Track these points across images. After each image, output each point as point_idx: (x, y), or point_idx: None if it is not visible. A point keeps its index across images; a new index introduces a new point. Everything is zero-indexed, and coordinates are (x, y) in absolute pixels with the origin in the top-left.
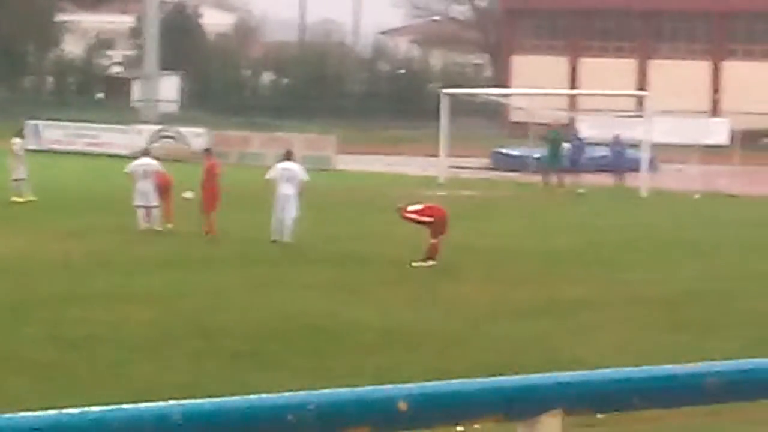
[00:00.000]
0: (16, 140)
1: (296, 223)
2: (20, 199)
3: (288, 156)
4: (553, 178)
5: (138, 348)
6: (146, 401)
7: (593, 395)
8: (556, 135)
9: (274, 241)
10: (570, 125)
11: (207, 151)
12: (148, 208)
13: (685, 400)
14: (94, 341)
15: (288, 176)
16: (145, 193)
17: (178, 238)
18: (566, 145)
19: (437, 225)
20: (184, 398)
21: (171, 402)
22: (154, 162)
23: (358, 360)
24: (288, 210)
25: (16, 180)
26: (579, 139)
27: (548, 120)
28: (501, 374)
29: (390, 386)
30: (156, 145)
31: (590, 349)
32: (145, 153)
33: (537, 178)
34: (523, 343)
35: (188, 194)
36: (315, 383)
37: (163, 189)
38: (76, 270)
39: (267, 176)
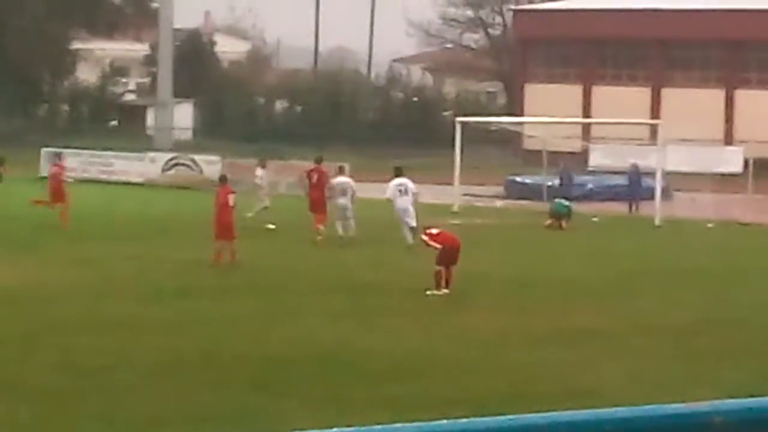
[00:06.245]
0: (258, 171)
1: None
2: (271, 226)
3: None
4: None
5: (150, 377)
6: None
7: None
8: None
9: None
10: (575, 155)
11: (222, 179)
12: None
13: None
14: (106, 370)
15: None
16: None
17: (191, 267)
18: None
19: (444, 253)
20: (197, 427)
21: None
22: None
23: (371, 389)
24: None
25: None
26: (568, 174)
27: (561, 148)
28: (513, 403)
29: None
30: (170, 173)
31: (602, 379)
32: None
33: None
34: (534, 371)
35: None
36: (327, 413)
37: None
38: (88, 297)
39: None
